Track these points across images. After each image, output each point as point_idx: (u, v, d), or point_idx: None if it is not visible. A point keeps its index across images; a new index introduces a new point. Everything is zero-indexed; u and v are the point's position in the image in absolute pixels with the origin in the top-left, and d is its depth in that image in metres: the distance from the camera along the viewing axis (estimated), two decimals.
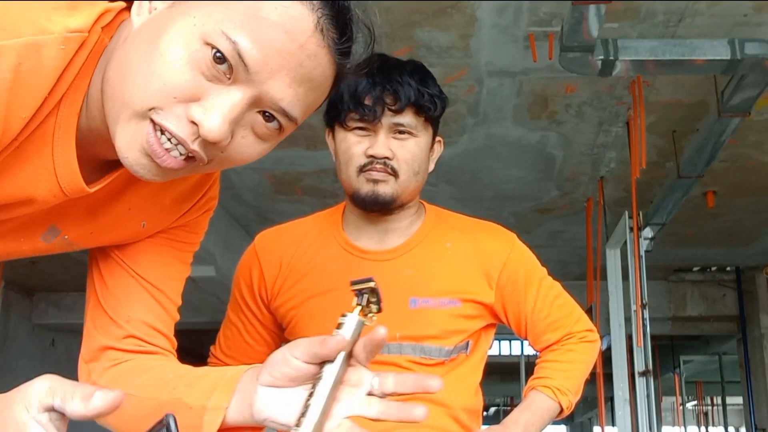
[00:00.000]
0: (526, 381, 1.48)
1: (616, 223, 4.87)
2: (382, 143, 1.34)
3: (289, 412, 0.78)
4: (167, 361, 0.98)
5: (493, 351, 9.66)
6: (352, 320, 0.78)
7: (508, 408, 14.67)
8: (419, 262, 1.42)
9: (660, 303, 7.03)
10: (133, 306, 0.97)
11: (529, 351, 9.33)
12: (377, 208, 1.39)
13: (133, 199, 0.92)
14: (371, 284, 0.78)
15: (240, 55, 0.71)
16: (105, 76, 0.76)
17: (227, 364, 1.49)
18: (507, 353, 10.34)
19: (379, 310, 0.80)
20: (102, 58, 0.78)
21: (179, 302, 1.02)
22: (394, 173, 1.35)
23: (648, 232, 4.77)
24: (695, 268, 7.14)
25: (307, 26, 0.74)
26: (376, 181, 1.35)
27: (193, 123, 0.73)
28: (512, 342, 10.22)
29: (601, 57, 3.01)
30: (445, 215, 1.51)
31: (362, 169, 1.35)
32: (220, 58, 0.71)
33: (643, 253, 4.44)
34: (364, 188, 1.36)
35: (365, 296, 0.79)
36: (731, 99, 3.45)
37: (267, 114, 0.76)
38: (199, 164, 0.77)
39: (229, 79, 0.73)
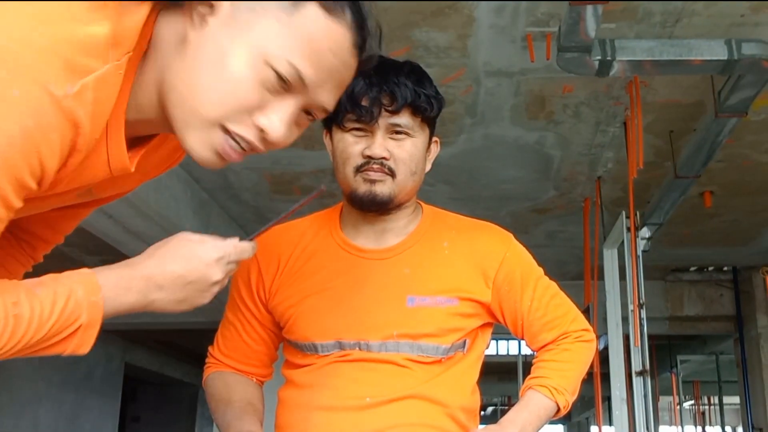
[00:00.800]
0: (524, 380, 1.48)
1: (613, 223, 4.87)
2: (379, 144, 1.35)
3: None
4: None
5: (491, 351, 9.68)
6: None
7: (506, 407, 14.68)
8: (417, 261, 1.43)
9: (657, 303, 7.03)
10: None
11: (526, 351, 9.34)
12: (374, 208, 1.39)
13: (147, 162, 1.03)
14: None
15: (299, 76, 0.88)
16: (166, 80, 0.87)
17: (226, 365, 1.50)
18: (504, 353, 10.36)
19: None
20: (146, 62, 0.88)
21: None
22: (391, 173, 1.36)
23: (645, 232, 4.78)
24: (692, 268, 7.14)
25: (347, 45, 0.90)
26: (373, 181, 1.36)
27: (260, 129, 0.89)
28: (510, 342, 10.23)
29: (599, 57, 3.01)
30: (442, 215, 1.52)
31: (359, 170, 1.36)
32: (282, 78, 0.87)
33: (640, 253, 4.44)
34: (362, 188, 1.36)
35: None
36: (728, 99, 3.46)
37: (308, 111, 0.94)
38: (254, 152, 0.92)
39: (286, 90, 0.88)
